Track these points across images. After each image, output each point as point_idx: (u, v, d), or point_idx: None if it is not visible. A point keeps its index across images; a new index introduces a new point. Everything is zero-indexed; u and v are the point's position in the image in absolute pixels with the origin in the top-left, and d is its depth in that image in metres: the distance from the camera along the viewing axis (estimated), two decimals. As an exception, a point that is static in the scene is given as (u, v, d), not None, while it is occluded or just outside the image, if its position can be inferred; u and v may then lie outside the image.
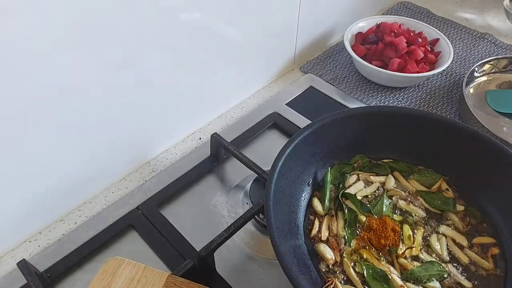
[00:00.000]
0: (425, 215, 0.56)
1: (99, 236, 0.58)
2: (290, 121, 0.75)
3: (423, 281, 0.49)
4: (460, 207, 0.56)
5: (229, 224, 0.53)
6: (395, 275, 0.49)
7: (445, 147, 0.59)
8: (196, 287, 0.47)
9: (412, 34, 0.86)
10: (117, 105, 0.58)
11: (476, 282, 0.50)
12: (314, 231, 0.54)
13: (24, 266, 0.49)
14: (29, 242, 0.59)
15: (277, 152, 0.53)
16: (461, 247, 0.53)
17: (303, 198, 0.57)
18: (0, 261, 0.57)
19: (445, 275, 0.50)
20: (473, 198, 0.58)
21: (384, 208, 0.56)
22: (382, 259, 0.51)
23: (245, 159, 0.62)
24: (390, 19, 0.90)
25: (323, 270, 0.50)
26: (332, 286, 0.48)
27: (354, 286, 0.49)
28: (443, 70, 0.81)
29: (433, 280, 0.49)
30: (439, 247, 0.52)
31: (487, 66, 0.85)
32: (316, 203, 0.57)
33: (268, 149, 0.71)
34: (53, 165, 0.56)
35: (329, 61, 0.90)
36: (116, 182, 0.67)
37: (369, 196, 0.58)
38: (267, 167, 0.57)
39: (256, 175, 0.61)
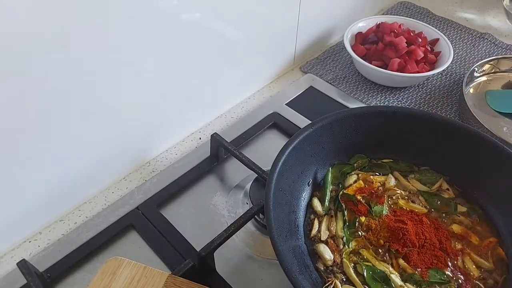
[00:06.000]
0: (426, 211, 0.56)
1: (99, 236, 0.58)
2: (290, 121, 0.75)
3: (422, 286, 0.48)
4: (462, 208, 0.56)
5: (229, 224, 0.53)
6: (394, 276, 0.49)
7: (445, 147, 0.59)
8: (196, 287, 0.47)
9: (412, 34, 0.86)
10: (117, 105, 0.58)
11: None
12: (314, 231, 0.54)
13: (24, 266, 0.49)
14: (29, 242, 0.59)
15: (277, 152, 0.53)
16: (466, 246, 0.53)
17: (303, 198, 0.57)
18: (0, 261, 0.57)
19: (448, 285, 0.49)
20: (473, 198, 0.58)
21: (384, 210, 0.56)
22: (381, 259, 0.51)
23: (245, 159, 0.62)
24: (390, 19, 0.90)
25: (323, 270, 0.50)
26: (332, 286, 0.48)
27: (354, 286, 0.49)
28: (443, 70, 0.81)
29: (434, 287, 0.48)
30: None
31: (487, 66, 0.85)
32: (316, 203, 0.57)
33: (268, 149, 0.71)
34: (53, 165, 0.56)
35: (329, 61, 0.90)
36: (116, 182, 0.67)
37: (369, 196, 0.58)
38: (267, 167, 0.57)
39: (256, 175, 0.61)
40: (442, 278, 0.49)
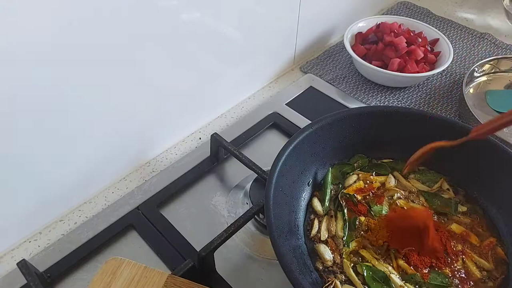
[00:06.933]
0: (425, 211, 0.56)
1: (99, 236, 0.58)
2: (290, 121, 0.75)
3: (423, 287, 0.48)
4: (462, 208, 0.56)
5: (229, 224, 0.53)
6: (394, 276, 0.49)
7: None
8: (196, 287, 0.47)
9: (412, 34, 0.86)
10: (117, 105, 0.58)
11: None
12: (314, 231, 0.54)
13: (24, 266, 0.49)
14: (29, 242, 0.59)
15: (277, 152, 0.53)
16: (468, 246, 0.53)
17: (303, 198, 0.57)
18: (0, 261, 0.57)
19: None
20: (473, 197, 0.58)
21: (384, 210, 0.56)
22: (381, 259, 0.51)
23: (245, 159, 0.62)
24: (390, 19, 0.90)
25: (323, 270, 0.50)
26: (332, 286, 0.48)
27: (354, 286, 0.49)
28: (443, 70, 0.81)
29: None
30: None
31: (487, 66, 0.85)
32: (316, 203, 0.57)
33: (268, 149, 0.71)
34: (53, 166, 0.56)
35: (329, 61, 0.90)
36: (116, 182, 0.67)
37: (369, 196, 0.58)
38: (267, 167, 0.57)
39: (256, 175, 0.61)
40: (444, 282, 0.49)
